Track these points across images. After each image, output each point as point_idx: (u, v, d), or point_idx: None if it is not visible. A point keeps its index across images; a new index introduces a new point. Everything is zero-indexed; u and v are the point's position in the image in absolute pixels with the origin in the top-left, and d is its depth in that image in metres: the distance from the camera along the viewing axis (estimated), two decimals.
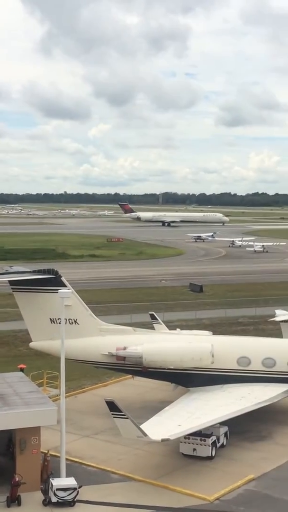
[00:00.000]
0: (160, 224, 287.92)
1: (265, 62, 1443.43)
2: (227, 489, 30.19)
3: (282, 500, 29.34)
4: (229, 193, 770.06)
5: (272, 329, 60.10)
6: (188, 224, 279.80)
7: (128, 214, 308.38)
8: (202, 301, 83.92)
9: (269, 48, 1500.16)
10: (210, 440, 33.82)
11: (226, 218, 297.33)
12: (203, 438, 33.72)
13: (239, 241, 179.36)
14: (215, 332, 52.39)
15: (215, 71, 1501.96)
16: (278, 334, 51.49)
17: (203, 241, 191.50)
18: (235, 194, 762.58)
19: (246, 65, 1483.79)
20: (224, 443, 35.44)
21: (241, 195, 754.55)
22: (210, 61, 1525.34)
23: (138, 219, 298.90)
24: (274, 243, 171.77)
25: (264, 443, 36.61)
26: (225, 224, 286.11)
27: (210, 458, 33.73)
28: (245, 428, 37.71)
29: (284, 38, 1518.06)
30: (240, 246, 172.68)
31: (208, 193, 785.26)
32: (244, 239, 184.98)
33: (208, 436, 33.91)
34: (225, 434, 35.66)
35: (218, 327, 65.62)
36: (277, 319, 52.89)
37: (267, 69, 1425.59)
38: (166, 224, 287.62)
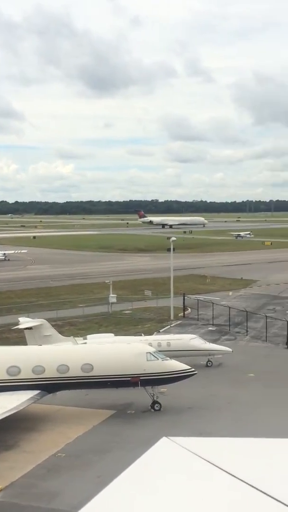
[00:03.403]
0: (160, 226, 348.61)
1: None
2: None
3: (29, 507, 29.49)
4: None
5: (17, 337, 60.15)
6: (182, 226, 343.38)
7: (142, 219, 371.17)
8: None
9: (2, 56, 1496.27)
10: None
11: (206, 221, 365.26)
12: None
13: None
14: None
15: None
16: (23, 342, 51.77)
17: None
18: None
19: None
20: None
21: None
22: None
23: (151, 222, 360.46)
24: (16, 251, 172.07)
25: (11, 452, 36.44)
26: (205, 225, 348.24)
27: None
28: None
29: (16, 46, 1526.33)
30: None
31: None
32: None
33: None
34: None
35: None
36: (20, 326, 53.14)
37: (1, 76, 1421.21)
38: (168, 226, 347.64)
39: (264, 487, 4.57)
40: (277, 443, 6.55)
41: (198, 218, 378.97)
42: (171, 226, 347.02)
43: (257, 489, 4.56)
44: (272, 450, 5.88)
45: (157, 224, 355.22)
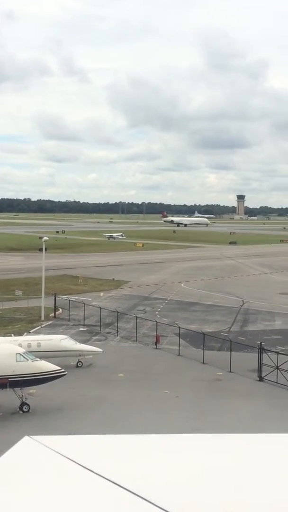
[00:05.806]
0: (176, 225, 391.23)
1: None
2: None
3: None
4: None
5: None
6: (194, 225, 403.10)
7: (165, 218, 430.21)
8: None
9: None
10: None
11: (209, 221, 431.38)
12: None
13: None
14: None
15: None
16: None
17: None
18: None
19: None
20: None
21: None
22: None
23: (172, 222, 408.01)
24: None
25: None
26: (208, 225, 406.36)
27: None
28: None
29: None
30: None
31: None
32: None
33: None
34: None
35: None
36: None
37: None
38: (183, 225, 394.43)
39: (123, 482, 4.75)
40: (139, 439, 6.78)
41: (203, 219, 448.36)
42: (185, 225, 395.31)
43: (116, 484, 4.73)
44: (134, 446, 6.09)
45: (175, 223, 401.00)
